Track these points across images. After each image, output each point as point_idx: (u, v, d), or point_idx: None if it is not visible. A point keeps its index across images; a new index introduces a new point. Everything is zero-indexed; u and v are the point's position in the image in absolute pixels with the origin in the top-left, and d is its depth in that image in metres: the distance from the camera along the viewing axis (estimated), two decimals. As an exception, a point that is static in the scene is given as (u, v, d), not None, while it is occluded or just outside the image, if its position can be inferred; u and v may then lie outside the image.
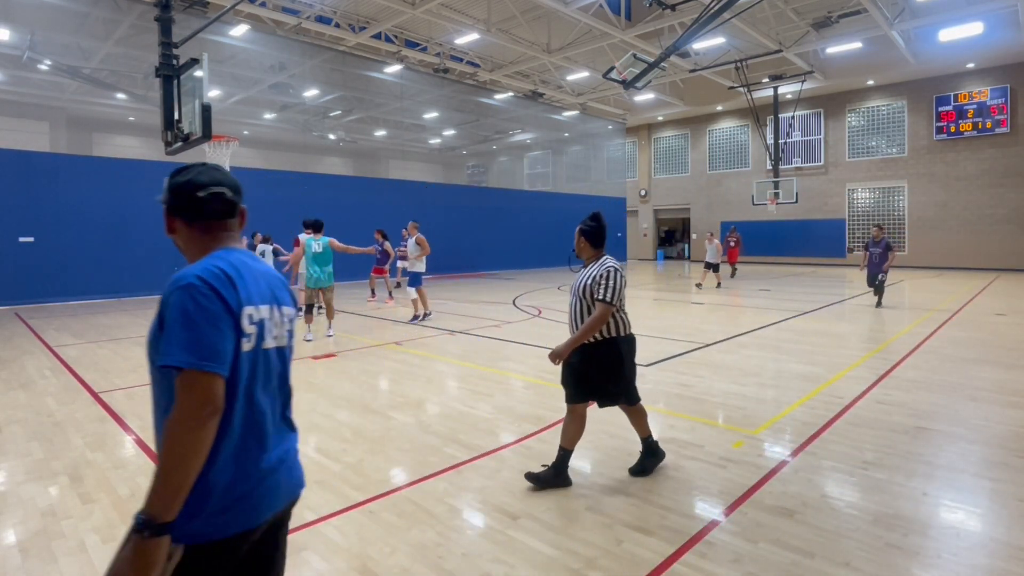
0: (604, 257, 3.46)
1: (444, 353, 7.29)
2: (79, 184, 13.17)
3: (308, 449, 4.02)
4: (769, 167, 24.25)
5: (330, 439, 4.21)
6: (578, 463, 3.75)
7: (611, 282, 3.28)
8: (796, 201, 22.43)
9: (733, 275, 18.82)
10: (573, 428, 3.43)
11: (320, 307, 9.94)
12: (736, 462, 3.70)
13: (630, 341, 3.55)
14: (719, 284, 15.36)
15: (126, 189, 13.79)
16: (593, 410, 4.85)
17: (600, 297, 3.27)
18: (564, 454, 3.39)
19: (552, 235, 24.43)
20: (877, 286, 11.13)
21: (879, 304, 11.10)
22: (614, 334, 3.40)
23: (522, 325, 9.45)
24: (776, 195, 22.20)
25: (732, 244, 19.02)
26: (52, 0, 13.29)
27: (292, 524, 2.93)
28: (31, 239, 12.53)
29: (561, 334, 8.55)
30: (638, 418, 3.65)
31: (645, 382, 5.73)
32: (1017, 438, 4.09)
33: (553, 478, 3.36)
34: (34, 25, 13.52)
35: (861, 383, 5.58)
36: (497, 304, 12.32)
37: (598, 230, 3.46)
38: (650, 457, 3.62)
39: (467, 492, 3.32)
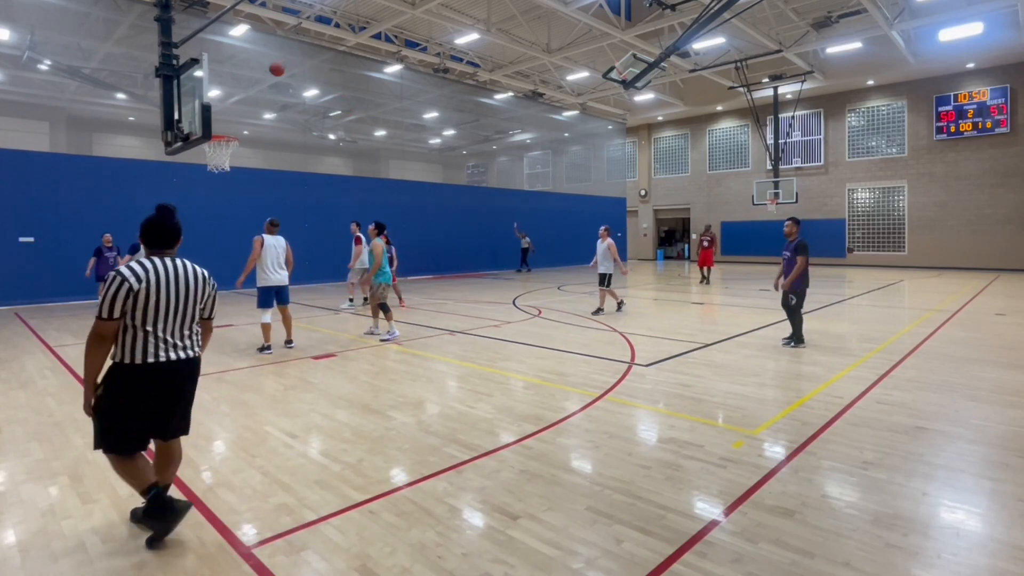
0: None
1: (444, 353, 7.29)
2: (79, 184, 13.17)
3: (308, 449, 4.02)
4: (769, 167, 24.26)
5: (330, 439, 4.21)
6: (578, 463, 3.75)
7: (104, 291, 2.67)
8: (796, 201, 22.43)
9: (704, 281, 16.61)
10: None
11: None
12: (736, 462, 3.70)
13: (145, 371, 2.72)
14: (619, 306, 10.77)
15: (126, 189, 13.80)
16: (594, 410, 4.85)
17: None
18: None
19: (552, 235, 24.45)
20: (787, 309, 7.49)
21: (793, 342, 7.36)
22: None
23: (522, 325, 9.45)
24: (776, 195, 22.20)
25: (706, 244, 16.70)
26: (52, 0, 13.29)
27: (292, 524, 2.94)
28: (31, 239, 12.53)
29: (561, 334, 8.55)
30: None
31: (645, 382, 5.74)
32: (1017, 438, 4.09)
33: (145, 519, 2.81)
34: (34, 25, 13.52)
35: (861, 383, 5.58)
36: (497, 304, 12.32)
37: (151, 227, 2.85)
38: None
39: (467, 492, 3.32)
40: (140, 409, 2.73)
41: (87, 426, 4.54)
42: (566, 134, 27.38)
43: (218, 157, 10.17)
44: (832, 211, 24.48)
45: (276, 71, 7.24)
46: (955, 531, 2.85)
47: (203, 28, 9.45)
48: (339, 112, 21.52)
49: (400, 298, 12.26)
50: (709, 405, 4.96)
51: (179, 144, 8.07)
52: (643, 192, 31.08)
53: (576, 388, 5.53)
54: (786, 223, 7.51)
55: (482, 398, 5.23)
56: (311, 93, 19.43)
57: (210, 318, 3.02)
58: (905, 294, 13.64)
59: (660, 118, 29.08)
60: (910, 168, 22.51)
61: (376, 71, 19.15)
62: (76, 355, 7.25)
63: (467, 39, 17.57)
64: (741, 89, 21.76)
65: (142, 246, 2.82)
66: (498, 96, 22.99)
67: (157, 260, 2.79)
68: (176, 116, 8.03)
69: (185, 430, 2.97)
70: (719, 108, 26.71)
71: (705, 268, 16.87)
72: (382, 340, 8.12)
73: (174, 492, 3.30)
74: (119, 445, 2.74)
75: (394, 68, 19.03)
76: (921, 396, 5.14)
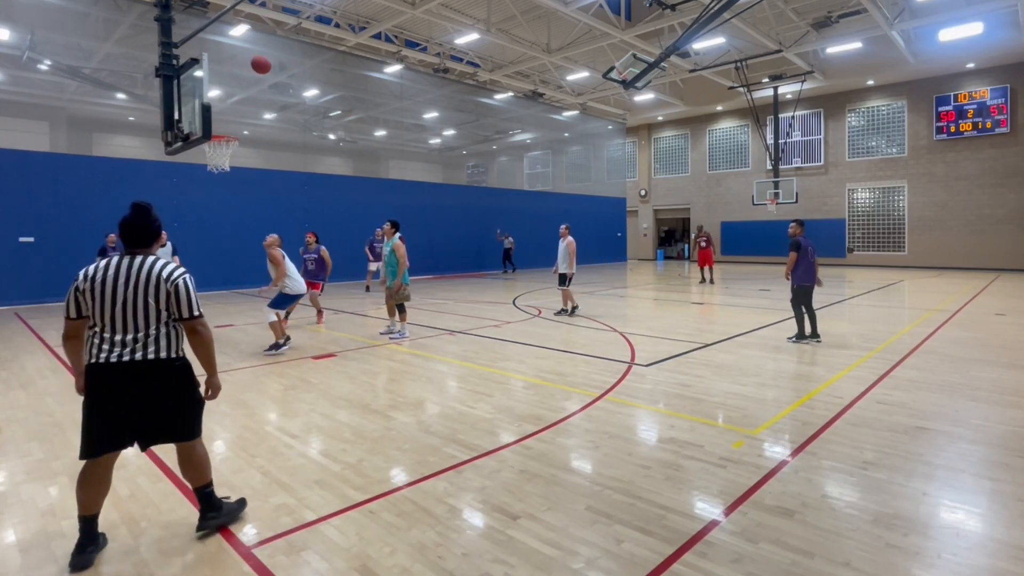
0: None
1: (444, 353, 7.29)
2: (79, 184, 13.17)
3: (308, 449, 4.02)
4: (769, 167, 24.26)
5: (330, 439, 4.21)
6: (578, 463, 3.75)
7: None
8: (796, 201, 22.43)
9: (704, 281, 16.73)
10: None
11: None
12: (736, 462, 3.70)
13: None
14: (572, 310, 10.44)
15: (126, 189, 13.79)
16: (594, 410, 4.85)
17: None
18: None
19: (552, 235, 24.44)
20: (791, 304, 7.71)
21: (795, 337, 7.55)
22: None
23: (522, 325, 9.45)
24: (776, 195, 22.20)
25: (703, 245, 16.76)
26: (52, 0, 13.28)
27: (292, 524, 2.94)
28: (31, 239, 12.53)
29: (561, 334, 8.55)
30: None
31: (645, 382, 5.74)
32: (1017, 438, 4.09)
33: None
34: (34, 25, 13.52)
35: (861, 383, 5.58)
36: (497, 304, 12.32)
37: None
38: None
39: (467, 492, 3.32)
40: (97, 409, 2.67)
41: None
42: (566, 134, 27.38)
43: (218, 157, 10.17)
44: (832, 211, 24.49)
45: (260, 66, 6.66)
46: (955, 531, 2.85)
47: (203, 28, 9.44)
48: (339, 112, 21.51)
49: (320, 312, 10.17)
50: (709, 405, 4.96)
51: (179, 144, 8.07)
52: (643, 192, 31.08)
53: (576, 388, 5.53)
54: (790, 224, 7.88)
55: (482, 398, 5.23)
56: (311, 93, 19.43)
57: (187, 318, 2.75)
58: (905, 294, 13.64)
59: (660, 118, 29.08)
60: (910, 168, 22.51)
61: (376, 71, 19.16)
62: (76, 355, 7.24)
63: (467, 39, 17.57)
64: (741, 89, 21.76)
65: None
66: (498, 96, 22.99)
67: (115, 260, 2.75)
68: (176, 116, 8.03)
69: (179, 435, 2.81)
70: (719, 108, 26.71)
71: (706, 268, 16.93)
72: (391, 339, 8.17)
73: (180, 499, 3.30)
74: (87, 446, 2.70)
75: (394, 68, 19.03)
76: (921, 396, 5.14)
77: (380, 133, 23.90)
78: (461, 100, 22.27)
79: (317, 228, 16.93)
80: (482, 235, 22.33)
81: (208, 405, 5.04)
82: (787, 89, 22.31)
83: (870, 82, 22.43)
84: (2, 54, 13.56)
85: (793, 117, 23.81)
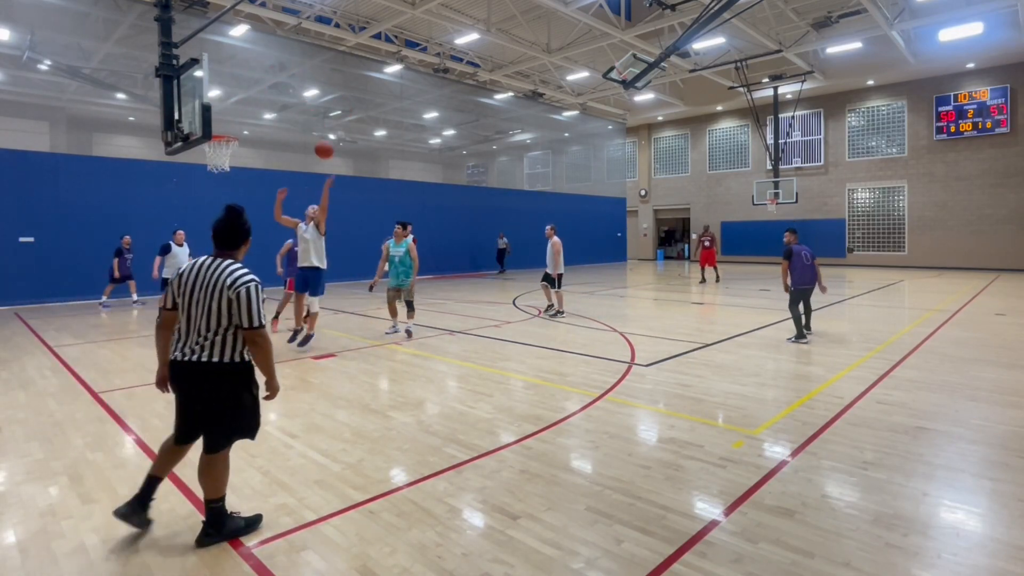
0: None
1: (444, 353, 7.29)
2: (79, 184, 13.17)
3: (308, 449, 4.02)
4: (769, 167, 24.26)
5: (330, 439, 4.21)
6: (578, 463, 3.75)
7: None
8: (796, 201, 22.43)
9: (704, 281, 16.80)
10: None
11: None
12: (736, 462, 3.70)
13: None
14: (556, 311, 10.30)
15: (126, 189, 13.80)
16: (594, 410, 4.85)
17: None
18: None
19: (552, 235, 24.42)
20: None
21: (793, 337, 7.70)
22: None
23: (522, 325, 9.45)
24: (776, 195, 22.20)
25: (707, 244, 16.69)
26: (52, 0, 13.28)
27: (292, 524, 2.94)
28: (31, 239, 12.53)
29: (561, 334, 8.55)
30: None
31: (645, 382, 5.74)
32: (1017, 438, 4.09)
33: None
34: (34, 25, 13.51)
35: (861, 383, 5.58)
36: (497, 304, 12.32)
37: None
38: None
39: (467, 492, 3.32)
40: (176, 403, 2.87)
41: (87, 426, 4.54)
42: (566, 134, 27.37)
43: (218, 157, 10.16)
44: (832, 211, 24.48)
45: (323, 152, 6.73)
46: (955, 531, 2.85)
47: (203, 28, 9.44)
48: (339, 112, 21.51)
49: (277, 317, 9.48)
50: (709, 405, 4.96)
51: (179, 144, 8.07)
52: (643, 192, 31.08)
53: (576, 388, 5.53)
54: (785, 233, 8.28)
55: (482, 398, 5.23)
56: (311, 93, 19.43)
57: (246, 328, 2.71)
58: (905, 294, 13.64)
59: (660, 118, 29.08)
60: (910, 168, 22.51)
61: (376, 71, 19.15)
62: (76, 355, 7.25)
63: (467, 39, 17.56)
64: (741, 89, 21.76)
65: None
66: (498, 96, 22.98)
67: (201, 260, 2.85)
68: (176, 116, 8.03)
69: (210, 444, 2.79)
70: (719, 108, 26.70)
71: (707, 268, 17.00)
72: (401, 333, 8.47)
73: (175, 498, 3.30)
74: (176, 433, 2.90)
75: (394, 68, 19.03)
76: (921, 396, 5.14)
77: (380, 133, 23.89)
78: (461, 100, 22.26)
79: (317, 228, 16.95)
80: (482, 235, 22.32)
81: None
82: (787, 89, 22.30)
83: (870, 82, 22.43)
84: (2, 54, 13.56)
85: (793, 117, 23.80)
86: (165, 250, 10.80)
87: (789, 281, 7.89)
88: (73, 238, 12.96)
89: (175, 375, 2.77)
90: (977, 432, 4.22)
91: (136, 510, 2.85)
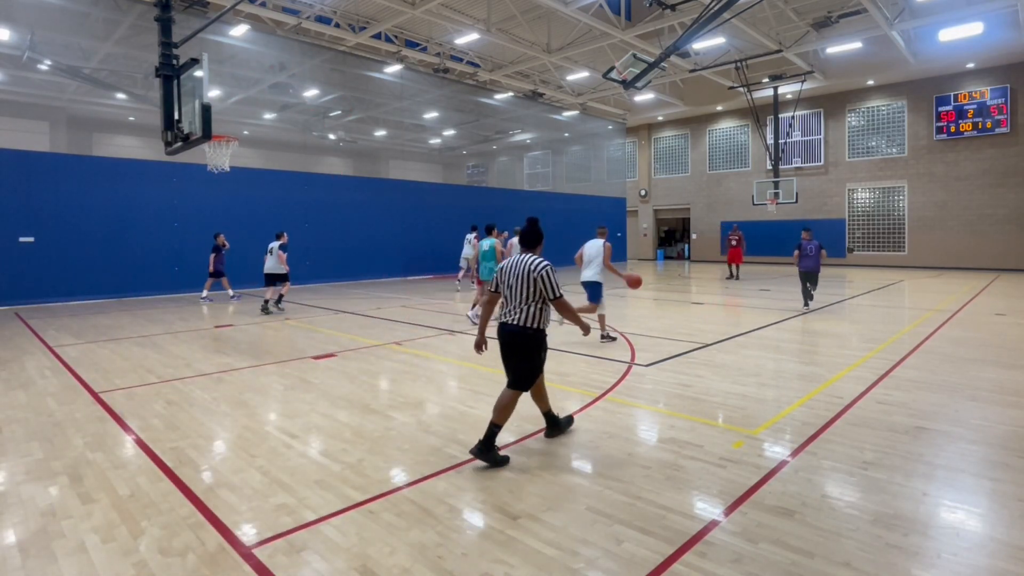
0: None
1: (444, 353, 7.29)
2: (79, 184, 13.17)
3: (309, 449, 4.02)
4: (769, 167, 24.25)
5: (330, 439, 4.21)
6: (578, 463, 3.75)
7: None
8: (796, 201, 22.42)
9: (733, 276, 18.21)
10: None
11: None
12: (736, 462, 3.70)
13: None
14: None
15: (126, 189, 13.79)
16: (594, 410, 4.85)
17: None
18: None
19: (552, 235, 24.41)
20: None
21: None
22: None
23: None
24: (776, 195, 22.19)
25: (734, 243, 18.21)
26: (52, 0, 13.28)
27: (292, 524, 2.94)
28: (31, 239, 12.53)
29: (561, 334, 8.54)
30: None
31: (645, 382, 5.74)
32: (1017, 438, 4.09)
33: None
34: (34, 25, 13.51)
35: (861, 383, 5.58)
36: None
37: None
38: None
39: (467, 492, 3.32)
40: (501, 355, 3.96)
41: (87, 426, 4.55)
42: (566, 134, 27.37)
43: (218, 157, 10.17)
44: (832, 211, 24.48)
45: (633, 283, 7.42)
46: (955, 531, 2.85)
47: (203, 28, 9.44)
48: (339, 112, 21.51)
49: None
50: (709, 405, 4.96)
51: (179, 144, 8.07)
52: (643, 192, 31.08)
53: (576, 388, 5.53)
54: (802, 232, 11.23)
55: (482, 398, 5.23)
56: (311, 93, 19.43)
57: (552, 299, 3.83)
58: (905, 294, 13.64)
59: (660, 118, 29.08)
60: (910, 168, 22.51)
61: (376, 71, 19.15)
62: (76, 355, 7.26)
63: (467, 39, 17.57)
64: (741, 89, 21.76)
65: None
66: (498, 96, 22.98)
67: (516, 256, 3.94)
68: (176, 116, 8.02)
69: (518, 385, 3.83)
70: (719, 108, 26.70)
71: (734, 265, 18.29)
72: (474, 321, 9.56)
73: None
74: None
75: (394, 68, 19.03)
76: (921, 396, 5.14)
77: (380, 133, 23.90)
78: (461, 100, 22.26)
79: (317, 228, 16.97)
80: (482, 235, 22.30)
81: (209, 405, 5.09)
82: (787, 89, 22.30)
83: (870, 82, 22.43)
84: (2, 54, 13.55)
85: (793, 117, 23.80)
86: (215, 250, 12.61)
87: (800, 266, 10.82)
88: (73, 238, 12.96)
89: (501, 333, 3.91)
90: (977, 432, 4.22)
91: (484, 451, 3.70)
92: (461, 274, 15.91)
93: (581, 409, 4.86)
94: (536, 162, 28.71)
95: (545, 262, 3.87)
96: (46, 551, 2.74)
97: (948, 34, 17.59)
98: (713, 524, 2.92)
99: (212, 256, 12.75)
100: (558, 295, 3.84)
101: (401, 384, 5.80)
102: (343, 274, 17.55)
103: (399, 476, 3.57)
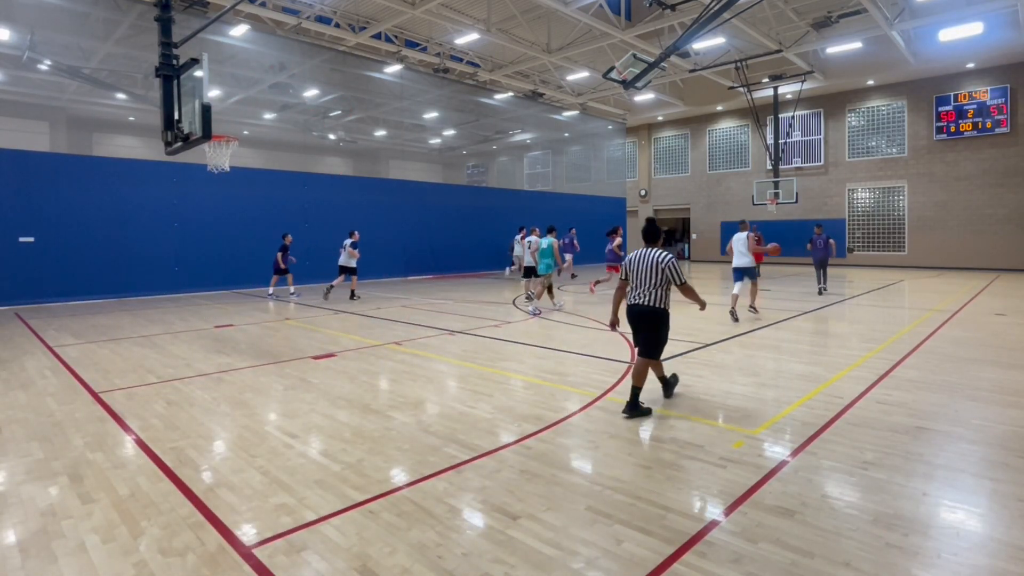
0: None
1: (444, 353, 7.29)
2: (79, 184, 13.17)
3: (308, 449, 4.02)
4: (769, 167, 24.25)
5: (330, 439, 4.21)
6: (578, 463, 3.75)
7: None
8: (796, 201, 22.42)
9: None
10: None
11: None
12: (736, 462, 3.70)
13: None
14: (529, 298, 11.79)
15: (126, 189, 13.79)
16: (594, 410, 4.85)
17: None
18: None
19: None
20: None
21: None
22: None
23: (522, 325, 9.45)
24: (776, 195, 22.19)
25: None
26: (52, 0, 13.28)
27: (292, 524, 2.94)
28: (31, 239, 12.53)
29: (561, 334, 8.55)
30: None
31: (645, 381, 5.73)
32: (1017, 438, 4.09)
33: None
34: (34, 25, 13.51)
35: (861, 383, 5.58)
36: (497, 304, 12.32)
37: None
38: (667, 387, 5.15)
39: (467, 492, 3.32)
40: (632, 330, 4.84)
41: (87, 426, 4.55)
42: (566, 134, 27.36)
43: (218, 157, 10.16)
44: (832, 211, 24.48)
45: (775, 251, 11.31)
46: (955, 531, 2.85)
47: (203, 28, 9.43)
48: (339, 112, 21.51)
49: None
50: (709, 405, 4.96)
51: (179, 144, 8.06)
52: (643, 192, 31.09)
53: (576, 388, 5.53)
54: (814, 228, 13.65)
55: (482, 398, 5.23)
56: (311, 93, 19.42)
57: (678, 284, 4.66)
58: (905, 294, 13.64)
59: (660, 118, 29.08)
60: (910, 168, 22.51)
61: (376, 71, 19.15)
62: (76, 355, 7.26)
63: (467, 39, 17.56)
64: (741, 89, 21.75)
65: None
66: (498, 96, 22.98)
67: (642, 250, 4.82)
68: (176, 116, 8.02)
69: (649, 355, 4.75)
70: (719, 108, 26.70)
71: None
72: (532, 314, 10.47)
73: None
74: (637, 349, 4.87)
75: (394, 68, 19.03)
76: (921, 396, 5.14)
77: (380, 133, 23.89)
78: (461, 100, 22.26)
79: (317, 228, 16.97)
80: (482, 235, 22.32)
81: (209, 405, 5.09)
82: (787, 89, 22.30)
83: (870, 82, 22.43)
84: (2, 54, 13.55)
85: (793, 117, 23.80)
86: (282, 249, 13.36)
87: (812, 256, 13.29)
88: (73, 238, 12.96)
89: (631, 314, 4.78)
90: (977, 432, 4.22)
91: (632, 409, 4.63)
92: (510, 270, 18.81)
93: (581, 409, 4.86)
94: (536, 162, 28.70)
95: (670, 255, 4.71)
96: (46, 551, 2.74)
97: (948, 34, 17.59)
98: (713, 524, 2.92)
99: (279, 254, 13.33)
100: (683, 281, 4.68)
101: (401, 384, 5.80)
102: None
103: (399, 476, 3.57)
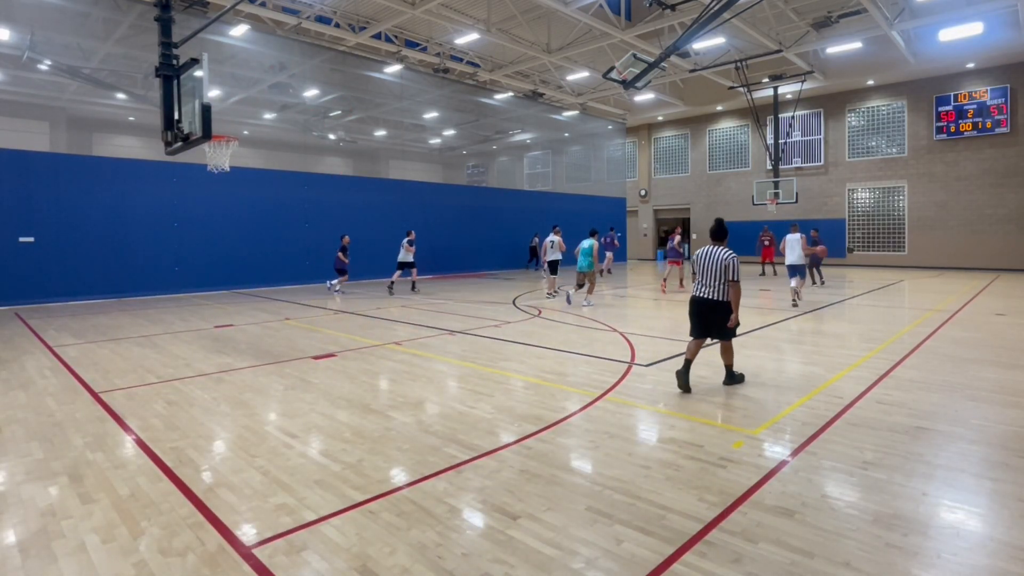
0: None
1: (444, 353, 7.29)
2: (79, 184, 13.17)
3: (308, 449, 4.02)
4: (769, 167, 24.26)
5: (330, 439, 4.21)
6: (578, 463, 3.75)
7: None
8: (796, 201, 22.44)
9: (764, 274, 19.57)
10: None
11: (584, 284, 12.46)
12: (736, 462, 3.70)
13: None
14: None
15: (126, 189, 13.79)
16: (594, 410, 4.85)
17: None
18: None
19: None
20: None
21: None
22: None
23: (522, 325, 9.45)
24: (776, 195, 22.20)
25: (767, 244, 19.51)
26: (52, 0, 13.28)
27: (292, 524, 2.94)
28: (31, 239, 12.53)
29: (561, 334, 8.55)
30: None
31: (645, 382, 5.74)
32: (1017, 438, 4.09)
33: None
34: (34, 25, 13.51)
35: (861, 383, 5.58)
36: (497, 304, 12.32)
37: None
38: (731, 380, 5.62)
39: (467, 492, 3.32)
40: (692, 318, 5.50)
41: (87, 426, 4.55)
42: (566, 134, 27.36)
43: (218, 157, 10.16)
44: (832, 211, 24.48)
45: (823, 253, 13.53)
46: (955, 531, 2.85)
47: (203, 28, 9.44)
48: (339, 112, 21.51)
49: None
50: (709, 405, 4.96)
51: (179, 144, 8.07)
52: (643, 192, 31.08)
53: (576, 388, 5.53)
54: (811, 231, 14.53)
55: (482, 398, 5.23)
56: (311, 93, 19.42)
57: (732, 281, 5.20)
58: (905, 294, 13.64)
59: (660, 118, 29.08)
60: (910, 168, 22.51)
61: (376, 71, 19.15)
62: (76, 355, 7.26)
63: (467, 39, 17.57)
64: (741, 89, 21.76)
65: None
66: (498, 96, 22.98)
67: (709, 247, 5.37)
68: (176, 116, 8.02)
69: (723, 337, 5.40)
70: (719, 108, 26.70)
71: (767, 264, 20.06)
72: (584, 305, 11.39)
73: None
74: (692, 332, 5.52)
75: (394, 68, 19.03)
76: (921, 396, 5.14)
77: (380, 133, 23.89)
78: (461, 100, 22.26)
79: (317, 228, 16.97)
80: (482, 235, 22.32)
81: (209, 405, 5.09)
82: (787, 89, 22.30)
83: (870, 82, 22.43)
84: (2, 54, 13.55)
85: (793, 117, 23.81)
86: (342, 249, 14.22)
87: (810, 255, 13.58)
88: (73, 238, 12.96)
89: (695, 303, 5.42)
90: (977, 432, 4.22)
91: (730, 380, 5.52)
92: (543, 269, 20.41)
93: (581, 409, 4.86)
94: (536, 162, 28.70)
95: (733, 253, 5.23)
96: (46, 551, 2.74)
97: (948, 34, 17.59)
98: (713, 524, 2.92)
99: (339, 254, 14.17)
100: (736, 279, 5.18)
101: (401, 384, 5.80)
102: (355, 273, 17.52)
103: (399, 476, 3.57)
